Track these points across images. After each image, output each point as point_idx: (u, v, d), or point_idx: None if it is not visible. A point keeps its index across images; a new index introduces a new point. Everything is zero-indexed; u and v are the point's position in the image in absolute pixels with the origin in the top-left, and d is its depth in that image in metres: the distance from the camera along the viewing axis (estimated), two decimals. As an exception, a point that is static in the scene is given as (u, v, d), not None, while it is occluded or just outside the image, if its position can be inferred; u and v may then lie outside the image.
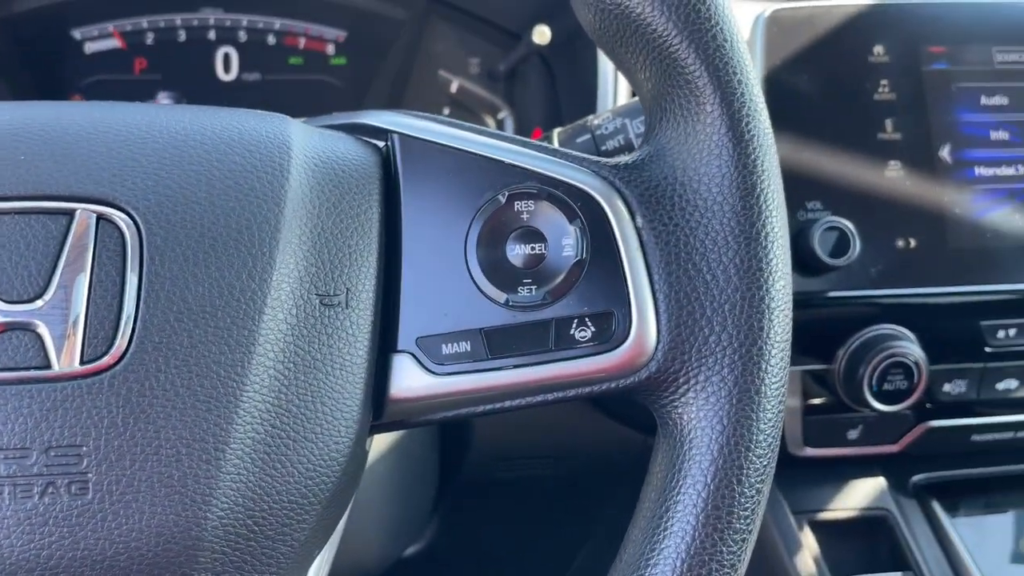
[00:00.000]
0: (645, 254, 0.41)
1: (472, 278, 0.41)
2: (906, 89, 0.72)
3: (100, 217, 0.36)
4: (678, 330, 0.40)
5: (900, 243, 0.69)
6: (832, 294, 0.69)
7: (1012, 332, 0.71)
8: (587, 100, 0.83)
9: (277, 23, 0.92)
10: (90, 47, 0.88)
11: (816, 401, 0.73)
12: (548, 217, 0.42)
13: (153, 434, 0.35)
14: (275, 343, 0.37)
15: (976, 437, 0.76)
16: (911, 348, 0.68)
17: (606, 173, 0.42)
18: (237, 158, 0.39)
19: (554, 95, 0.90)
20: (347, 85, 0.92)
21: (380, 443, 0.75)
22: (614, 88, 0.80)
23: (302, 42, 0.92)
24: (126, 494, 0.35)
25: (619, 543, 0.42)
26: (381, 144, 0.44)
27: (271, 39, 0.91)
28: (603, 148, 0.57)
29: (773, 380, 0.40)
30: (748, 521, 0.39)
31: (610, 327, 0.41)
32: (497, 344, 0.41)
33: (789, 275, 0.41)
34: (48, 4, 0.86)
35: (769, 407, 0.40)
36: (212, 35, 0.90)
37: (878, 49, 0.72)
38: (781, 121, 0.70)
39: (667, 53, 0.41)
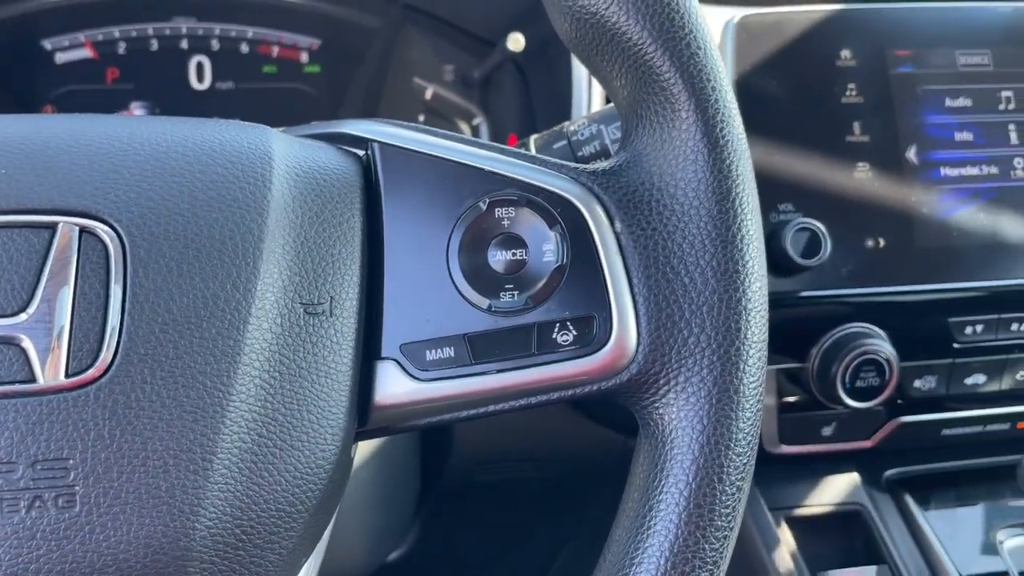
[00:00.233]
0: (624, 258, 0.42)
1: (455, 284, 0.42)
2: (873, 92, 0.73)
3: (83, 230, 0.37)
4: (658, 332, 0.41)
5: (869, 243, 0.71)
6: (804, 294, 0.70)
7: (979, 328, 0.73)
8: (562, 107, 0.84)
9: (250, 32, 0.92)
10: (61, 57, 0.87)
11: (791, 399, 0.74)
12: (528, 223, 0.42)
13: (140, 446, 0.35)
14: (260, 352, 0.37)
15: (946, 431, 0.77)
16: (882, 346, 0.69)
17: (585, 179, 0.43)
18: (219, 169, 0.40)
19: (528, 102, 0.91)
20: (321, 93, 0.92)
21: (362, 449, 0.75)
22: (588, 94, 0.81)
23: (275, 50, 0.92)
24: (113, 506, 0.35)
25: (602, 544, 0.42)
26: (361, 153, 0.44)
27: (244, 48, 0.91)
28: (579, 154, 0.58)
29: (751, 379, 0.41)
30: (729, 518, 0.40)
31: (591, 331, 0.41)
32: (480, 349, 0.41)
33: (765, 277, 0.42)
34: (17, 14, 0.86)
35: (747, 406, 0.41)
36: (185, 44, 0.90)
37: (845, 53, 0.74)
38: (752, 125, 0.71)
39: (642, 61, 0.42)
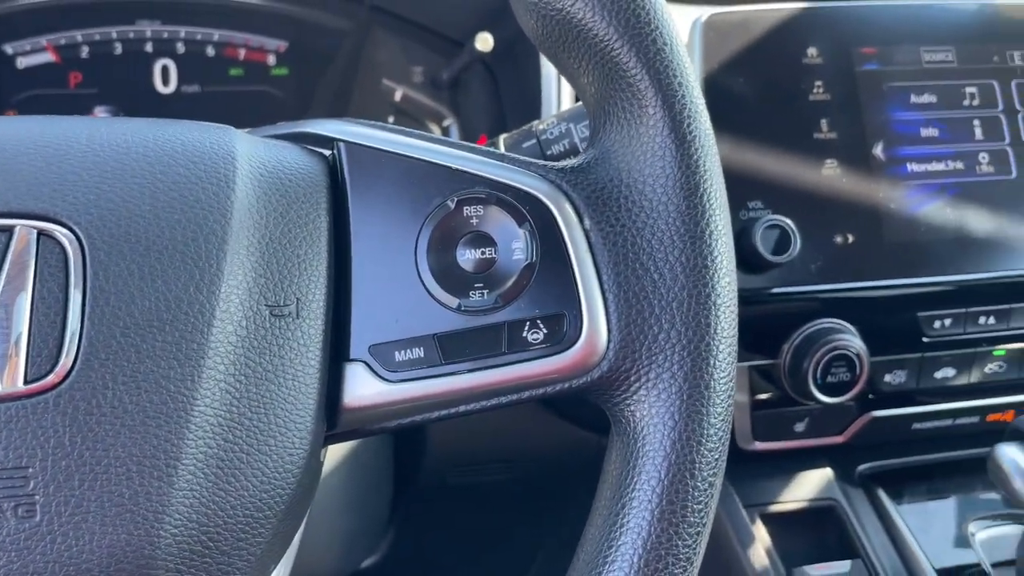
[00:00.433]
0: (594, 255, 0.42)
1: (423, 284, 0.41)
2: (840, 89, 0.74)
3: (41, 233, 0.36)
4: (628, 329, 0.41)
5: (838, 239, 0.71)
6: (775, 290, 0.70)
7: (948, 322, 0.74)
8: (531, 106, 0.84)
9: (216, 34, 0.91)
10: (23, 62, 0.86)
11: (763, 396, 0.74)
12: (497, 221, 0.42)
13: (102, 452, 0.35)
14: (225, 356, 0.37)
15: (917, 425, 0.78)
16: (852, 341, 0.70)
17: (553, 177, 0.43)
18: (181, 170, 0.39)
19: (498, 102, 0.91)
20: (289, 96, 0.91)
21: (333, 453, 0.74)
22: (557, 93, 0.81)
23: (242, 53, 0.91)
24: (75, 515, 0.34)
25: (577, 543, 0.42)
26: (327, 153, 0.44)
27: (210, 51, 0.90)
28: (548, 153, 0.58)
29: (721, 375, 0.41)
30: (702, 514, 0.40)
31: (562, 328, 0.41)
32: (450, 349, 0.41)
33: (734, 272, 0.42)
34: (-23, 19, 0.84)
35: (718, 401, 0.40)
36: (149, 47, 0.89)
37: (812, 51, 0.74)
38: (721, 123, 0.71)
39: (609, 57, 0.42)
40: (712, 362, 0.40)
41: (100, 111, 0.87)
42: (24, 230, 0.36)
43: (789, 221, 0.68)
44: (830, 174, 0.72)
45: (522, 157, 0.44)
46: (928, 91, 0.76)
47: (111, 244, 0.36)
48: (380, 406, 0.41)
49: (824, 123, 0.73)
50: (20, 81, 0.85)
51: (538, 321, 0.41)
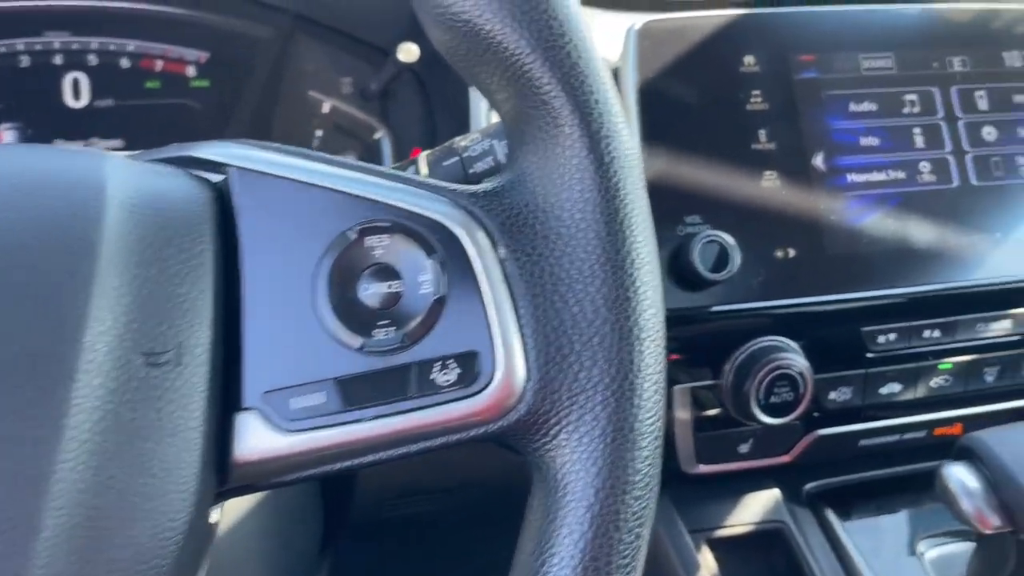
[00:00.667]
0: (510, 287, 0.39)
1: (322, 323, 0.38)
2: (778, 98, 0.72)
3: None
4: (547, 368, 0.38)
5: (779, 253, 0.69)
6: (715, 308, 0.68)
7: (892, 337, 0.72)
8: (463, 117, 0.80)
9: (131, 45, 0.86)
10: (-79, 77, 0.80)
11: (707, 416, 0.72)
12: (403, 253, 0.39)
13: (-51, 528, 0.31)
14: (91, 412, 0.33)
15: (864, 442, 0.76)
16: (795, 359, 0.67)
17: (465, 202, 0.40)
18: (45, 203, 0.35)
19: (430, 113, 0.87)
20: (210, 109, 0.87)
21: (253, 495, 0.70)
22: (487, 105, 0.78)
23: (160, 64, 0.86)
24: None
25: None
26: (217, 179, 0.40)
27: (125, 62, 0.85)
28: (471, 171, 0.55)
29: (647, 415, 0.38)
30: (629, 569, 0.37)
31: (475, 368, 0.38)
32: (353, 394, 0.37)
33: (659, 302, 0.39)
34: None
35: (644, 444, 0.37)
36: (59, 60, 0.84)
37: (749, 59, 0.72)
38: (657, 135, 0.69)
39: (521, 72, 0.39)
40: (637, 402, 0.37)
41: (5, 128, 0.82)
42: None
43: (728, 236, 0.66)
44: (769, 186, 0.70)
45: (431, 181, 0.40)
46: (868, 99, 0.74)
47: None
48: (276, 459, 0.37)
49: (762, 133, 0.71)
50: (-83, 97, 0.80)
51: (449, 361, 0.38)
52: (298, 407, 0.37)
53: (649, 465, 0.38)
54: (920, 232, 0.72)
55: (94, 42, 0.85)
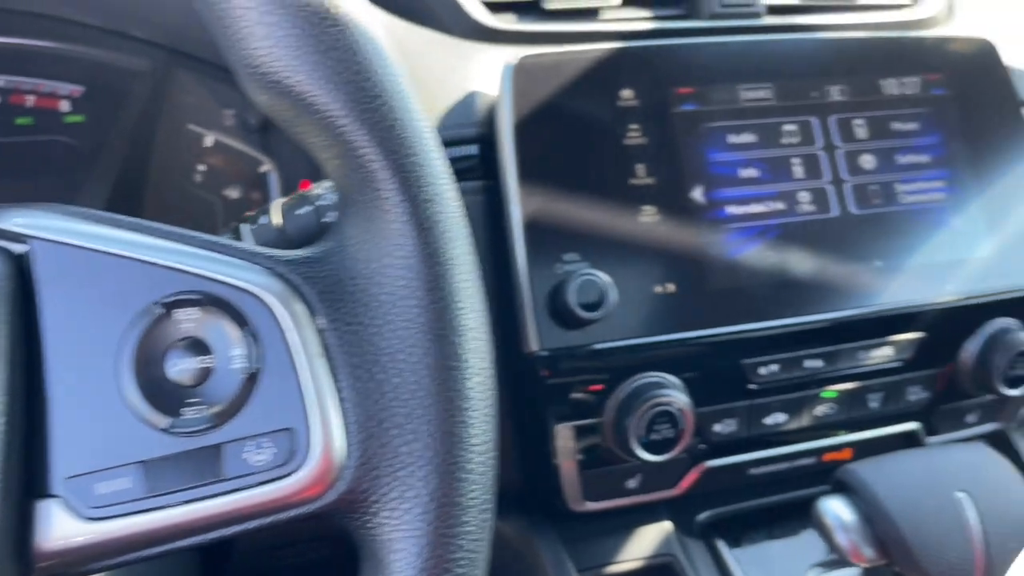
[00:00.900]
0: (329, 358, 0.37)
1: (128, 402, 0.36)
2: (656, 132, 0.71)
3: None
4: (368, 443, 0.36)
5: (658, 289, 0.68)
6: (596, 347, 0.67)
7: (774, 368, 0.72)
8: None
9: (0, 80, 0.82)
10: None
11: (593, 454, 0.71)
12: (214, 326, 0.37)
13: None
14: None
15: (754, 471, 0.76)
16: (675, 395, 0.67)
17: (283, 269, 0.38)
18: None
19: (314, 146, 0.85)
20: (85, 145, 0.83)
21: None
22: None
23: (31, 100, 0.83)
24: None
25: None
26: (19, 250, 0.38)
27: (-7, 98, 0.82)
28: (324, 220, 0.53)
29: (474, 490, 0.37)
30: (453, 650, 0.36)
31: (290, 447, 0.36)
32: (159, 478, 0.36)
33: (488, 369, 0.38)
34: None
35: (471, 521, 0.36)
36: (-79, 96, 0.80)
37: (627, 93, 0.72)
38: (535, 172, 0.68)
39: (338, 134, 0.37)
40: (462, 477, 0.36)
41: None
42: None
43: (603, 274, 0.65)
44: (648, 221, 0.69)
45: (249, 247, 0.39)
46: (747, 130, 0.74)
47: None
48: (80, 548, 0.35)
49: (640, 168, 0.70)
50: None
51: (263, 439, 0.36)
52: (102, 492, 0.35)
53: (476, 542, 0.36)
54: (800, 263, 0.73)
55: (-41, 77, 0.81)
